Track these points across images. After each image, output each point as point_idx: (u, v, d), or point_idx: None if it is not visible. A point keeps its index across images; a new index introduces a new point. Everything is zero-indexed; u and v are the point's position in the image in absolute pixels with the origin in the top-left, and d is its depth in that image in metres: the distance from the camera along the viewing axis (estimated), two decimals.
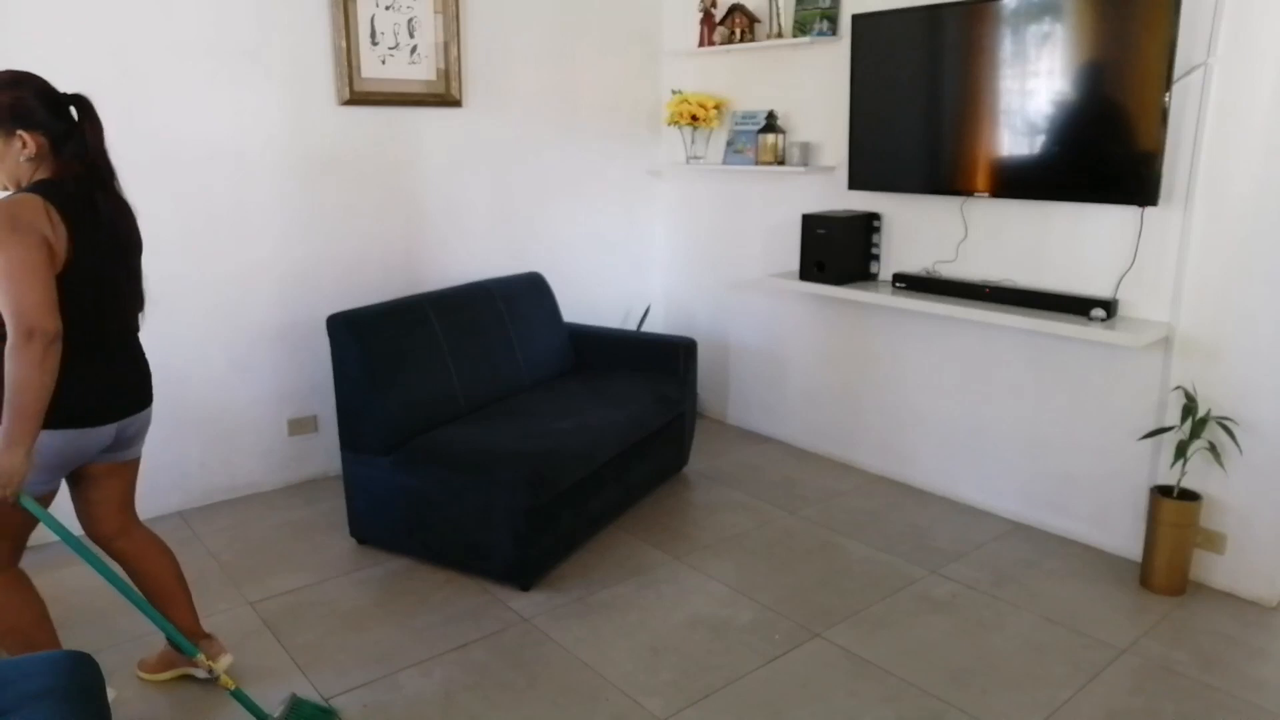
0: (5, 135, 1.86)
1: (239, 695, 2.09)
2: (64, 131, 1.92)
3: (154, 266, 3.14)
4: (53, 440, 1.89)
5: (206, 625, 2.58)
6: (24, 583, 2.08)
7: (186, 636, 2.17)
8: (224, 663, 2.28)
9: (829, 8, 3.59)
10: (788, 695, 2.28)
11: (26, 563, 2.11)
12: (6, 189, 1.91)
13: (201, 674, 2.29)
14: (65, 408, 1.88)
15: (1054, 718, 2.20)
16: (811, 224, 3.53)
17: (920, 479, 3.61)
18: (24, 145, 1.87)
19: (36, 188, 1.86)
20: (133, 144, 3.02)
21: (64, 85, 2.86)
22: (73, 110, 1.95)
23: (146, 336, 2.09)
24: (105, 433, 2.00)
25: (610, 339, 3.80)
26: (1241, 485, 2.72)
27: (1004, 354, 3.26)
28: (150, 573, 2.23)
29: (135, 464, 2.18)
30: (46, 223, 1.80)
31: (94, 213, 1.91)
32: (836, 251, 3.50)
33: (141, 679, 2.34)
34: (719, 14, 4.01)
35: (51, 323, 1.76)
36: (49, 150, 1.89)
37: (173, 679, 2.33)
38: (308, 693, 2.28)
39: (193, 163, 3.18)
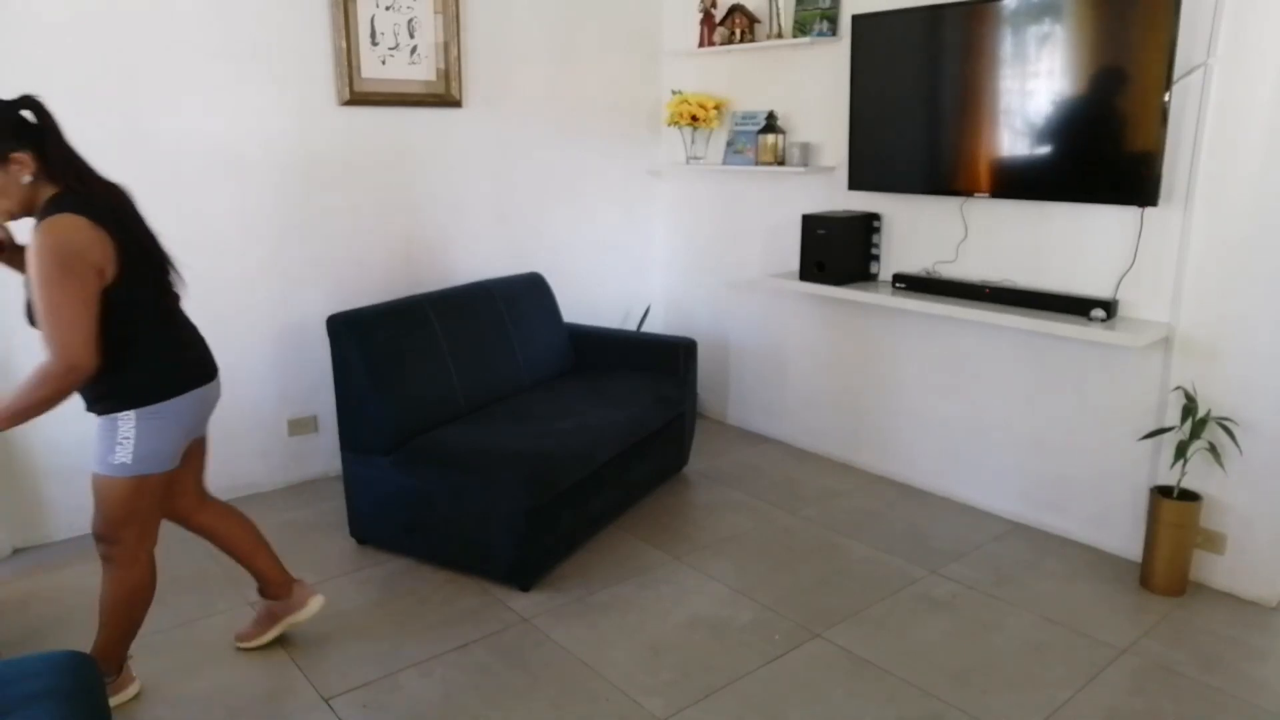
0: (2, 165, 1.84)
1: None
2: (40, 139, 1.89)
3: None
4: (183, 404, 2.05)
5: (207, 624, 2.58)
6: (151, 570, 2.19)
7: (277, 586, 2.44)
8: (314, 605, 2.47)
9: (829, 8, 3.59)
10: (788, 695, 2.28)
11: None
12: (17, 217, 1.91)
13: (302, 616, 2.47)
14: (176, 378, 2.05)
15: (1054, 718, 2.20)
16: (811, 224, 3.53)
17: (920, 479, 3.61)
18: (20, 166, 1.85)
19: (66, 205, 1.84)
20: (133, 144, 3.02)
21: (64, 85, 2.88)
22: (28, 114, 1.90)
23: None
24: (216, 389, 2.18)
25: (610, 339, 3.80)
26: (1241, 485, 2.72)
27: (1004, 354, 3.26)
28: (232, 536, 2.39)
29: (206, 440, 2.32)
30: (94, 245, 1.84)
31: (111, 210, 1.93)
32: (836, 252, 3.50)
33: (245, 649, 2.46)
34: (719, 14, 4.01)
35: (91, 361, 1.84)
36: (39, 163, 1.87)
37: (275, 639, 2.48)
38: (308, 693, 2.28)
39: (193, 163, 3.18)
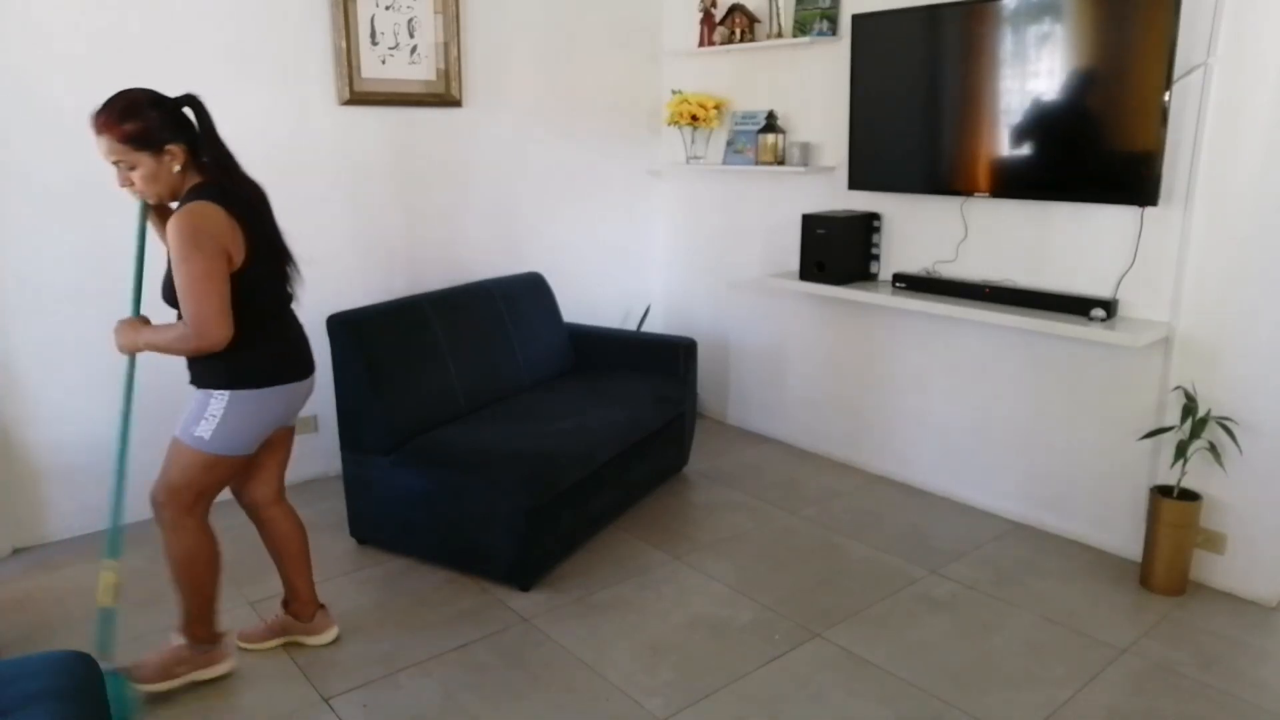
0: (156, 153, 2.01)
1: (107, 617, 2.19)
2: (193, 135, 2.07)
3: (154, 266, 3.14)
4: (275, 395, 2.18)
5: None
6: (212, 535, 2.30)
7: (304, 605, 2.48)
8: (328, 636, 2.50)
9: (829, 8, 3.59)
10: (788, 695, 2.28)
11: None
12: (165, 201, 2.10)
13: (312, 641, 2.49)
14: (276, 368, 2.18)
15: (1054, 718, 2.20)
16: (811, 224, 3.53)
17: (920, 479, 3.61)
18: (172, 158, 2.03)
19: (205, 194, 2.02)
20: None
21: (64, 86, 2.88)
22: (188, 112, 2.08)
23: None
24: (308, 385, 2.29)
25: (610, 339, 3.80)
26: (1241, 485, 2.72)
27: (1004, 354, 3.26)
28: (288, 542, 2.46)
29: (293, 433, 2.42)
30: (226, 231, 2.01)
31: (247, 203, 2.10)
32: (836, 251, 3.50)
33: (245, 649, 2.46)
34: (719, 14, 4.01)
35: (222, 331, 2.00)
36: (189, 156, 2.06)
37: (275, 648, 2.48)
38: (308, 692, 2.28)
39: None
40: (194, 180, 2.07)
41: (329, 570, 2.91)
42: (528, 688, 2.31)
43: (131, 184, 2.05)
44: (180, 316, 2.04)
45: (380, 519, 3.00)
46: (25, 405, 2.99)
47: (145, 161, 2.02)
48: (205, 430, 2.12)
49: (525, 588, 2.79)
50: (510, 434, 2.93)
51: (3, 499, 2.99)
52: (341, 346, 2.91)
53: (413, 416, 2.97)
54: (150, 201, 2.12)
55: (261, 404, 2.16)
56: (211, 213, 1.99)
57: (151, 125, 2.00)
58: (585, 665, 2.41)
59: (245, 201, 2.10)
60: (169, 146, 2.02)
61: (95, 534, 3.14)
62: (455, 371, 3.18)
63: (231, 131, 3.20)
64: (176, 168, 2.05)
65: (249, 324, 2.08)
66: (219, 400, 2.11)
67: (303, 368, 2.26)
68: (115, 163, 2.03)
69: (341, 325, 2.91)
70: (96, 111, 2.01)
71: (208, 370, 2.11)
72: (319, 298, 3.49)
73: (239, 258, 2.04)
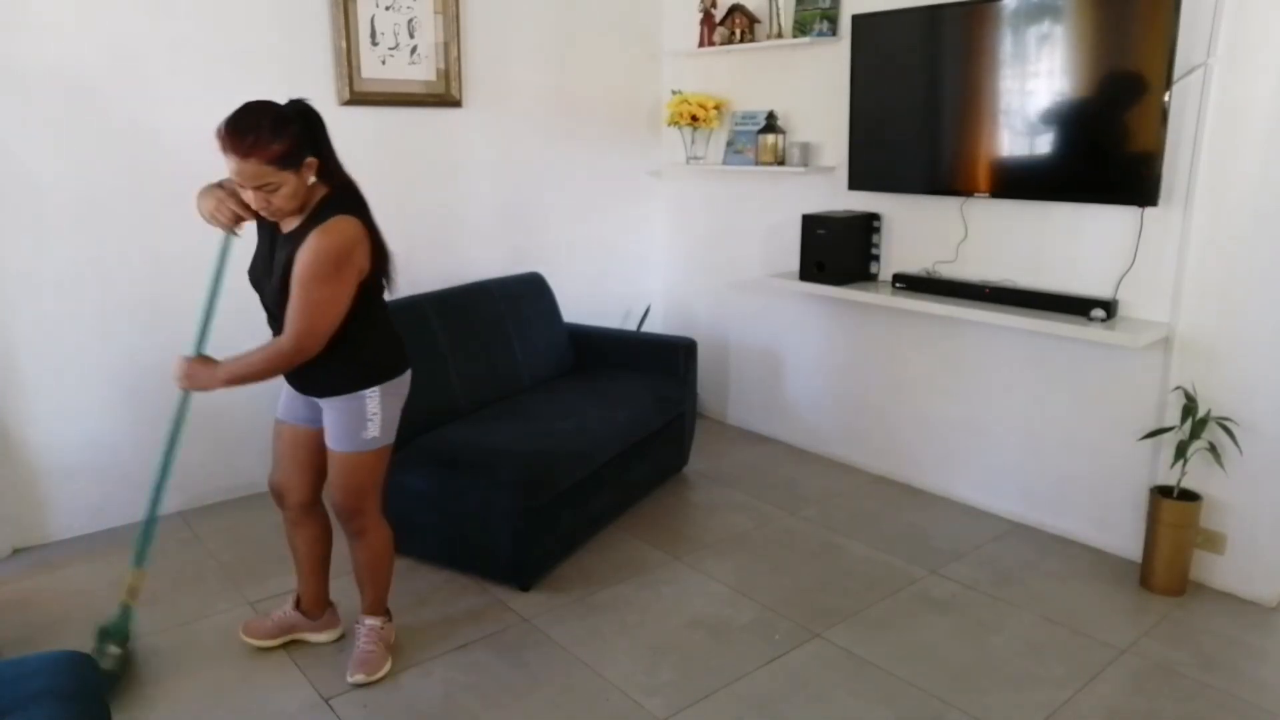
0: (298, 170, 1.96)
1: (126, 613, 2.31)
2: (317, 142, 2.02)
3: (154, 267, 3.15)
4: (407, 378, 2.26)
5: (207, 624, 2.58)
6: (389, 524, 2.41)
7: (316, 606, 2.50)
8: (331, 635, 2.50)
9: (829, 8, 3.59)
10: (788, 695, 2.28)
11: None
12: (296, 215, 2.03)
13: (317, 638, 2.49)
14: (402, 353, 2.25)
15: (1054, 718, 2.20)
16: (811, 224, 3.53)
17: (920, 479, 3.61)
18: (310, 170, 2.00)
19: (341, 207, 2.01)
20: (133, 144, 3.02)
21: (65, 85, 2.88)
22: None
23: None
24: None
25: (610, 339, 3.80)
26: (1241, 485, 2.72)
27: (1004, 354, 3.26)
28: (318, 540, 2.46)
29: None
30: (361, 244, 2.02)
31: (365, 205, 2.09)
32: (836, 252, 3.50)
33: (247, 641, 2.46)
34: (719, 14, 4.01)
35: (319, 348, 2.02)
36: (319, 165, 2.03)
37: (280, 645, 2.48)
38: (307, 692, 2.28)
39: (193, 163, 3.16)
40: (320, 191, 2.04)
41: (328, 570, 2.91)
42: (528, 688, 2.31)
43: (268, 206, 1.96)
44: (272, 323, 2.09)
45: None
46: (25, 405, 2.99)
47: (290, 180, 1.94)
48: (374, 429, 2.17)
49: (525, 588, 2.79)
50: (510, 434, 2.93)
51: (3, 499, 2.99)
52: None
53: (412, 416, 2.94)
54: (278, 219, 2.05)
55: (401, 388, 2.23)
56: (355, 232, 1.99)
57: (298, 140, 1.95)
58: (585, 665, 2.41)
59: (365, 207, 2.09)
60: (308, 159, 1.98)
61: (95, 534, 3.14)
62: (455, 371, 3.18)
63: None
64: (311, 179, 2.01)
65: (370, 321, 2.12)
66: (373, 398, 2.15)
67: (405, 354, 2.30)
68: (260, 186, 1.92)
69: None
70: (235, 133, 1.90)
71: (347, 376, 2.12)
72: None
73: (368, 266, 2.05)
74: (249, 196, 1.96)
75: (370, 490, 2.26)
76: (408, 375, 2.27)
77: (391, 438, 2.25)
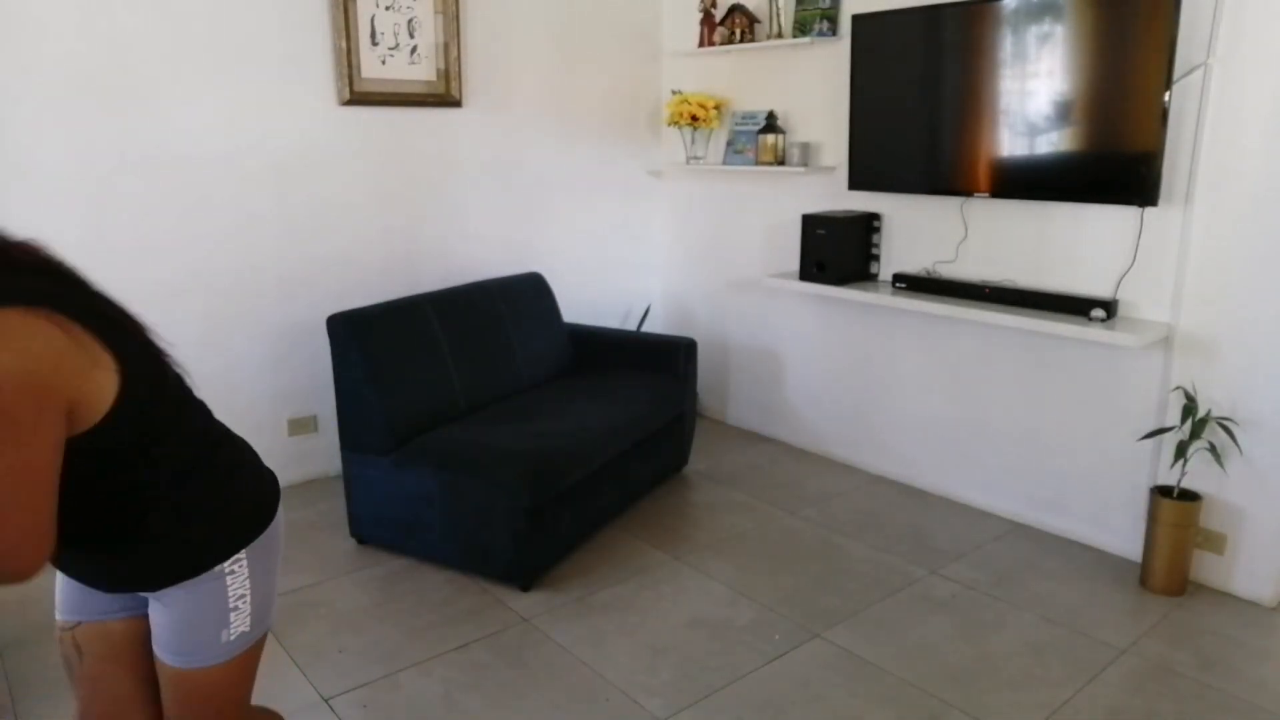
0: None
1: None
2: None
3: (154, 267, 3.15)
4: (278, 521, 1.44)
5: None
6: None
7: None
8: None
9: (829, 8, 3.59)
10: (788, 695, 2.28)
11: None
12: None
13: None
14: (262, 484, 1.44)
15: (1054, 718, 2.20)
16: (811, 224, 3.53)
17: (920, 479, 3.61)
18: None
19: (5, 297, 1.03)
20: (133, 145, 3.02)
21: (64, 86, 2.88)
22: None
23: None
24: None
25: (610, 339, 3.80)
26: (1241, 485, 2.72)
27: (1004, 354, 3.26)
28: None
29: None
30: (73, 363, 1.06)
31: (61, 286, 1.18)
32: (836, 251, 3.50)
33: None
34: (719, 14, 4.00)
35: (38, 556, 1.08)
36: None
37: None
38: (308, 692, 2.28)
39: (192, 163, 3.18)
40: None
41: (329, 570, 2.91)
42: (528, 688, 2.31)
43: None
44: None
45: (380, 519, 3.00)
46: None
47: None
48: (242, 621, 1.35)
49: (525, 588, 2.79)
50: (510, 434, 2.93)
51: None
52: (341, 346, 2.91)
53: (413, 416, 2.97)
54: None
55: (274, 541, 1.41)
56: (31, 337, 1.00)
57: None
58: (585, 665, 2.41)
59: (55, 272, 1.17)
60: None
61: None
62: (455, 371, 3.18)
63: (231, 131, 3.25)
64: None
65: (175, 460, 1.26)
66: (238, 571, 1.33)
67: (270, 473, 1.46)
68: None
69: (342, 325, 2.91)
70: None
71: (182, 552, 1.28)
72: (319, 298, 3.51)
73: (101, 388, 1.09)
74: None
75: (233, 714, 1.42)
76: (280, 516, 1.41)
77: (269, 623, 1.41)
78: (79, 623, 1.40)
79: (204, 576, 1.30)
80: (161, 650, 1.35)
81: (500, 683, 2.33)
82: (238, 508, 1.36)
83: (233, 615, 1.34)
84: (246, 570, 1.35)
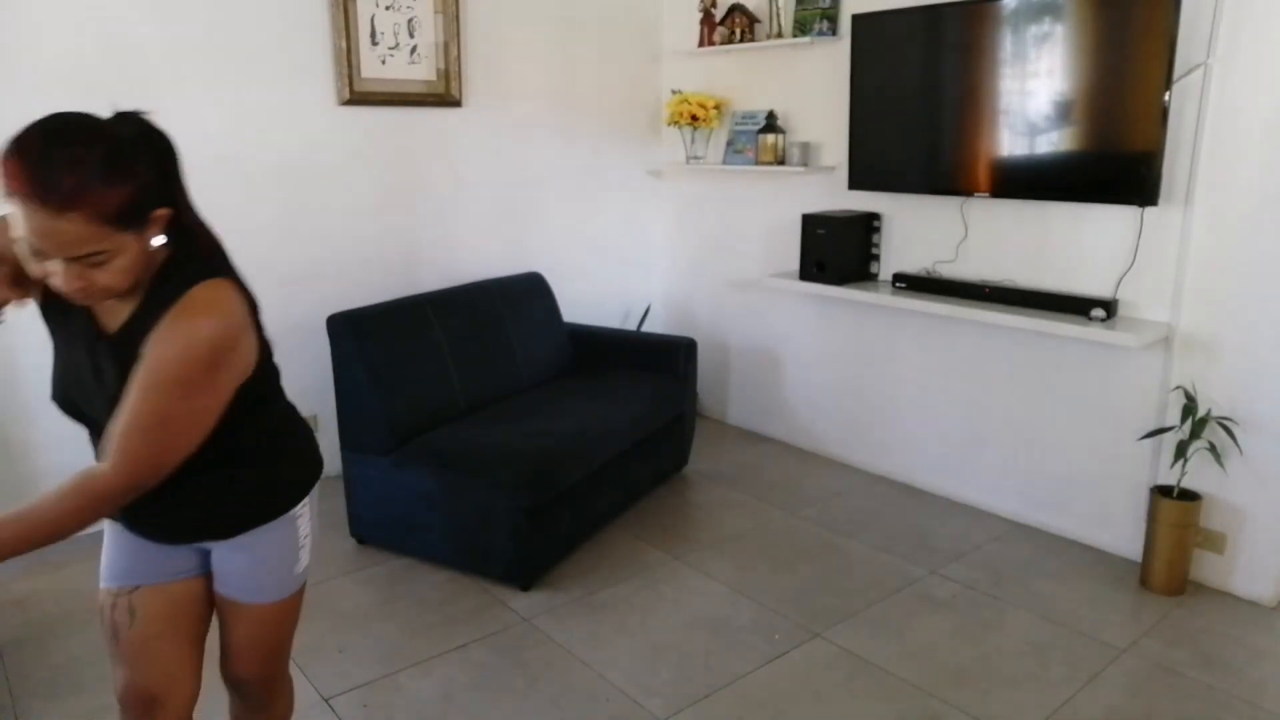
0: (142, 228, 1.20)
1: None
2: (169, 187, 1.29)
3: None
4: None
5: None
6: None
7: None
8: None
9: (829, 8, 3.59)
10: (788, 695, 2.28)
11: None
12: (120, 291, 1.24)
13: None
14: (313, 444, 1.63)
15: (1054, 718, 2.20)
16: (811, 224, 3.53)
17: (920, 479, 3.61)
18: (155, 228, 1.23)
19: (209, 269, 1.30)
20: None
21: (64, 86, 2.87)
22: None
23: None
24: None
25: (610, 339, 3.80)
26: (1241, 485, 2.72)
27: (1004, 354, 3.26)
28: None
29: None
30: (250, 340, 1.33)
31: (237, 271, 1.40)
32: (836, 251, 3.50)
33: None
34: (719, 14, 4.00)
35: (158, 481, 1.28)
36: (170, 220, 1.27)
37: None
38: (308, 692, 2.28)
39: (192, 163, 3.15)
40: (160, 253, 1.27)
41: (329, 570, 2.91)
42: (528, 688, 2.31)
43: (88, 286, 1.17)
44: (96, 446, 1.37)
45: (380, 519, 3.00)
46: (25, 405, 2.99)
47: (129, 246, 1.18)
48: (307, 557, 1.56)
49: (525, 588, 2.79)
50: (510, 434, 2.93)
51: (2, 499, 2.99)
52: (341, 346, 2.91)
53: (413, 416, 2.97)
54: (94, 304, 1.29)
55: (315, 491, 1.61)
56: (237, 310, 1.28)
57: (146, 182, 1.19)
58: (585, 665, 2.41)
59: (234, 267, 1.39)
60: (158, 211, 1.22)
61: (95, 534, 3.13)
62: (455, 371, 3.18)
63: (231, 131, 3.25)
64: (157, 240, 1.24)
65: (272, 417, 1.50)
66: (303, 514, 1.53)
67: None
68: (80, 257, 1.14)
69: (342, 325, 2.91)
70: (40, 170, 1.09)
71: (267, 498, 1.48)
72: (319, 298, 3.51)
73: (253, 361, 1.35)
74: (48, 270, 1.16)
75: (291, 640, 1.65)
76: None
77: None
78: (136, 587, 1.51)
79: (284, 518, 1.50)
80: (238, 592, 1.51)
81: (500, 683, 2.33)
82: (309, 456, 1.58)
83: (301, 553, 1.54)
84: (309, 513, 1.55)
